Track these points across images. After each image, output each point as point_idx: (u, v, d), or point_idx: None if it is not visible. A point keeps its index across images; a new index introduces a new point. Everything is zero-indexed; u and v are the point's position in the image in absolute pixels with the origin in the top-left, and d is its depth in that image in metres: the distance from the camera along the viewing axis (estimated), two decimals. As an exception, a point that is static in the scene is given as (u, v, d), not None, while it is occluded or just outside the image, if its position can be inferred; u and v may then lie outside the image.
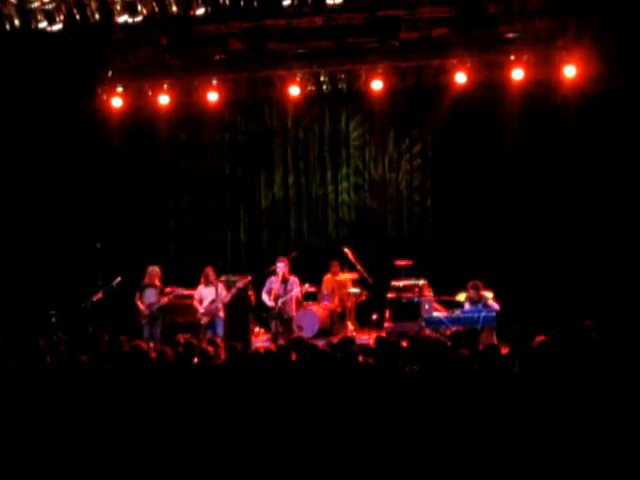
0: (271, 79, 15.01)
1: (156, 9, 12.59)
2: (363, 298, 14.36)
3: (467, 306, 12.35)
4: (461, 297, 12.62)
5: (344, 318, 14.36)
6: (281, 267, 13.29)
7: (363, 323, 14.33)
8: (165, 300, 13.27)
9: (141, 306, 13.22)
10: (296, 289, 13.30)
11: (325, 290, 14.47)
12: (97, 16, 12.71)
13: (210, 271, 13.32)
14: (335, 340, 9.58)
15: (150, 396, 6.82)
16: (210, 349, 8.34)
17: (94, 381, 7.15)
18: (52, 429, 6.41)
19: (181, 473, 5.95)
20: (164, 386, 7.01)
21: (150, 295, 13.27)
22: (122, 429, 6.34)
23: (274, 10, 12.91)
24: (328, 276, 14.56)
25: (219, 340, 9.72)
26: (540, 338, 7.57)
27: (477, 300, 12.28)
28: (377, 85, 14.41)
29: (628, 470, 5.52)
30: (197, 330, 13.06)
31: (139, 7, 12.61)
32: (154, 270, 13.42)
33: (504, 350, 7.93)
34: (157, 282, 13.38)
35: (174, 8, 12.58)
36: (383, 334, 12.44)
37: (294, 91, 14.71)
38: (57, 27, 12.84)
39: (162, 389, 6.94)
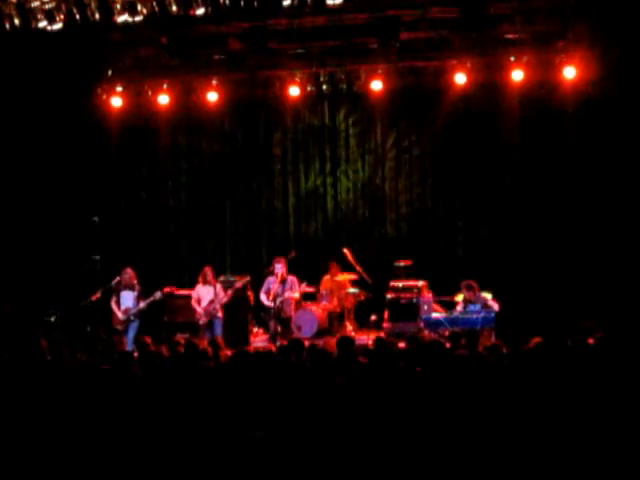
0: (271, 79, 15.00)
1: (156, 9, 12.61)
2: (362, 298, 14.35)
3: (460, 307, 12.35)
4: (459, 298, 12.62)
5: (343, 318, 14.33)
6: (279, 267, 13.35)
7: (362, 324, 14.31)
8: (142, 305, 12.65)
9: (117, 311, 12.68)
10: (296, 289, 13.35)
11: (323, 290, 14.44)
12: (97, 16, 12.74)
13: (208, 270, 13.31)
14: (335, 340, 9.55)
15: (149, 395, 6.82)
16: (210, 350, 8.34)
17: (91, 380, 7.14)
18: (50, 427, 6.40)
19: (180, 471, 5.95)
20: (161, 385, 7.00)
21: (127, 298, 12.73)
22: (122, 427, 6.34)
23: (274, 10, 12.91)
24: (327, 276, 14.53)
25: (220, 339, 9.73)
26: (536, 339, 7.57)
27: (472, 300, 12.27)
28: (377, 85, 14.38)
29: (628, 472, 5.52)
30: (196, 330, 13.07)
31: (139, 7, 12.63)
32: (128, 271, 12.84)
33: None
34: (134, 283, 12.82)
35: (174, 8, 12.60)
36: (382, 335, 12.44)
37: (294, 91, 14.69)
38: (57, 26, 12.86)
39: (159, 388, 6.93)
